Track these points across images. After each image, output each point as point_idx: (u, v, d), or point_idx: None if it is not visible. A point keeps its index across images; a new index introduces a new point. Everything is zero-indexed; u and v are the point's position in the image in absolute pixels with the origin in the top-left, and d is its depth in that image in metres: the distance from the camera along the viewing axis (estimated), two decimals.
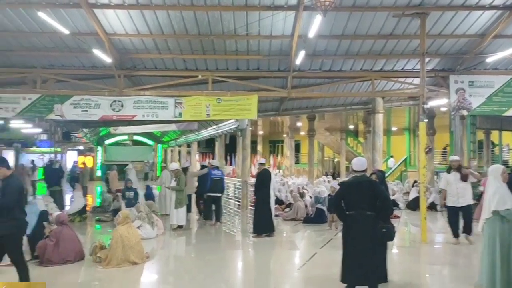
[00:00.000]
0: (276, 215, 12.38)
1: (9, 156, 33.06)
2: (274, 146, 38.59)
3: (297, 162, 33.11)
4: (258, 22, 10.40)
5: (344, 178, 20.08)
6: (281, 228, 11.95)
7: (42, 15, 9.39)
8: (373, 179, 6.89)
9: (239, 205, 16.19)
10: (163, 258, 8.89)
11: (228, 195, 18.62)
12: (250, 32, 10.86)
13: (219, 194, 12.50)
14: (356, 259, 5.47)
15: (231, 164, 26.08)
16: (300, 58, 11.38)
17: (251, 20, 10.33)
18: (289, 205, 14.27)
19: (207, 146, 36.04)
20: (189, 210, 12.46)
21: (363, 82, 14.30)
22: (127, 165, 20.06)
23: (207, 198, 12.42)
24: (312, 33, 10.06)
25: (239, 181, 16.76)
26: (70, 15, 10.09)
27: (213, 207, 12.47)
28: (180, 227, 11.24)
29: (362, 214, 5.44)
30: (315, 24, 9.53)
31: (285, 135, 31.71)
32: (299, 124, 27.81)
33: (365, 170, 5.82)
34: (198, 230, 11.92)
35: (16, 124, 21.01)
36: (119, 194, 13.74)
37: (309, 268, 7.81)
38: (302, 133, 29.81)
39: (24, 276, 5.73)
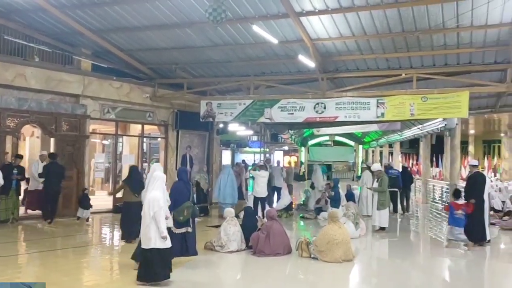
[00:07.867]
0: (493, 223, 11.35)
1: (226, 155, 37.59)
2: (489, 146, 34.52)
3: None
4: (470, 12, 9.48)
5: None
6: (498, 238, 10.80)
7: (255, 28, 10.35)
8: None
9: None
10: (366, 258, 8.89)
11: (435, 198, 17.77)
12: (461, 23, 9.97)
13: (396, 189, 14.24)
14: None
15: (437, 166, 24.54)
16: None
17: (463, 10, 9.45)
18: (509, 213, 12.77)
19: (411, 146, 34.37)
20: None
21: None
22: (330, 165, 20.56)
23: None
24: None
25: (447, 184, 15.80)
26: (279, 26, 10.84)
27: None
28: (382, 229, 11.06)
29: None
30: None
31: (502, 134, 28.06)
32: None
33: None
34: (401, 233, 11.55)
35: (233, 127, 23.49)
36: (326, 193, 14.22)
37: None
38: None
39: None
